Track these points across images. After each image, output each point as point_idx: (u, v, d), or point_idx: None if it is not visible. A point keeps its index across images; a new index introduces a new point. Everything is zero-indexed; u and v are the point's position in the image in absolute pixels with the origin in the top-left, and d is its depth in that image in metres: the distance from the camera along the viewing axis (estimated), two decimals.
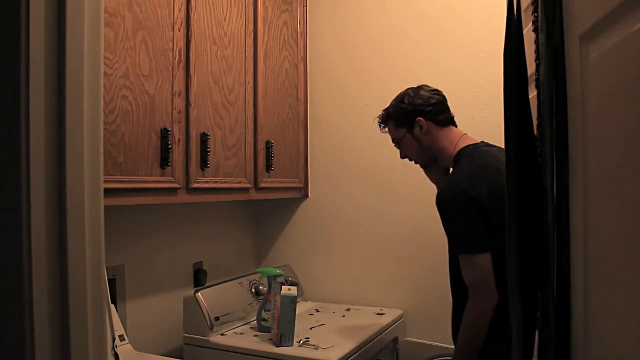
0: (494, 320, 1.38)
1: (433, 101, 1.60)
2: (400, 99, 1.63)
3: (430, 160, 1.66)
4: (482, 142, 1.60)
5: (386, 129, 1.69)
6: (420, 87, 1.63)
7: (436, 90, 1.64)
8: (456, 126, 1.64)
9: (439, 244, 2.13)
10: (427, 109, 1.58)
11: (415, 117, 1.58)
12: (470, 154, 1.53)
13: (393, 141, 1.69)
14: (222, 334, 1.80)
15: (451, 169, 1.62)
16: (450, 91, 2.14)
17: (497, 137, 1.98)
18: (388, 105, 1.68)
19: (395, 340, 2.07)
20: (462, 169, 1.52)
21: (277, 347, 1.66)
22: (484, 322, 1.37)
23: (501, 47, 0.80)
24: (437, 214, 2.31)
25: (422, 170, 2.19)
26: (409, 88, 1.64)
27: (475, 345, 1.39)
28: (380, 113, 1.70)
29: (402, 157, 1.70)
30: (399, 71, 2.24)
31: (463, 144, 1.57)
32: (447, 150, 1.58)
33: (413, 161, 1.70)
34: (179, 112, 1.63)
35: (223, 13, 1.84)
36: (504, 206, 1.18)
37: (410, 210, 2.21)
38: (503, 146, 0.81)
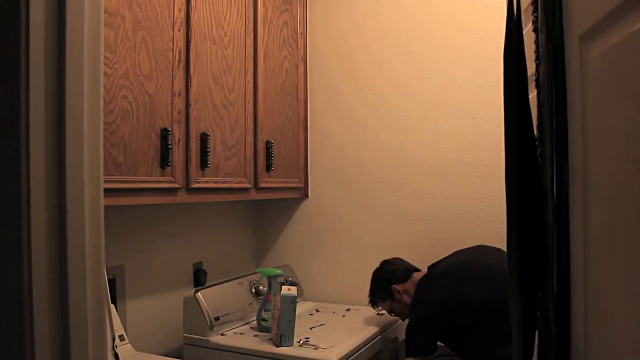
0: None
1: (394, 267, 1.95)
2: (372, 282, 1.99)
3: None
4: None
5: (381, 309, 2.00)
6: (381, 266, 1.99)
7: (391, 260, 2.00)
8: (418, 269, 1.94)
9: (439, 244, 2.13)
10: (393, 276, 1.92)
11: (389, 288, 1.91)
12: (425, 276, 1.82)
13: (388, 313, 1.99)
14: (222, 334, 1.80)
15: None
16: (451, 91, 2.15)
17: (497, 137, 1.99)
18: (368, 294, 2.00)
19: (395, 340, 2.07)
20: (427, 283, 1.78)
21: (277, 347, 1.66)
22: None
23: (501, 47, 0.80)
24: (435, 213, 2.32)
25: (422, 170, 2.20)
26: (375, 271, 1.99)
27: None
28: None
29: (404, 319, 1.94)
30: (399, 71, 2.25)
31: (417, 280, 1.85)
32: None
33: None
34: (179, 112, 1.63)
35: (223, 13, 1.84)
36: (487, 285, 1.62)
37: (410, 210, 2.21)
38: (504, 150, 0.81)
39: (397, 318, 2.10)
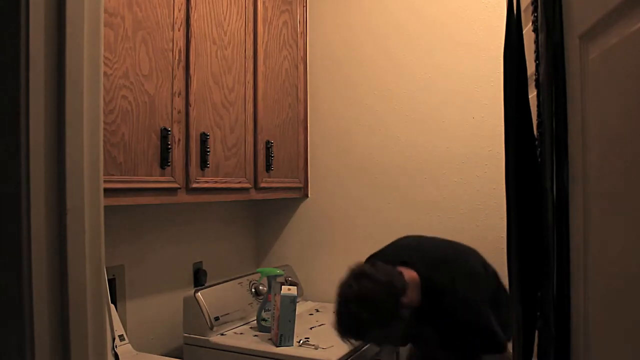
0: None
1: (395, 273, 1.39)
2: (366, 300, 1.33)
3: None
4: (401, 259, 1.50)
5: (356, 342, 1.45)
6: (364, 275, 1.40)
7: (369, 269, 1.43)
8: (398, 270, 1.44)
9: None
10: (401, 284, 1.36)
11: (399, 300, 1.34)
12: (431, 281, 1.42)
13: (379, 344, 1.44)
14: (222, 334, 1.80)
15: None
16: (451, 91, 2.15)
17: (497, 137, 1.99)
18: (348, 316, 1.37)
19: None
20: (444, 279, 1.42)
21: (277, 347, 1.66)
22: None
23: (501, 47, 0.80)
24: (434, 214, 2.30)
25: (421, 170, 2.20)
26: (352, 283, 1.39)
27: None
28: (341, 329, 1.39)
29: (399, 344, 1.52)
30: (399, 71, 2.24)
31: (415, 280, 1.43)
32: (417, 298, 1.41)
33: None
34: (179, 112, 1.63)
35: (223, 13, 1.84)
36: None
37: (410, 210, 2.21)
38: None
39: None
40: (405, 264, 1.44)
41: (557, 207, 0.70)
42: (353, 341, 1.46)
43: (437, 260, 1.47)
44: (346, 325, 1.38)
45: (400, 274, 1.40)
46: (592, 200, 0.63)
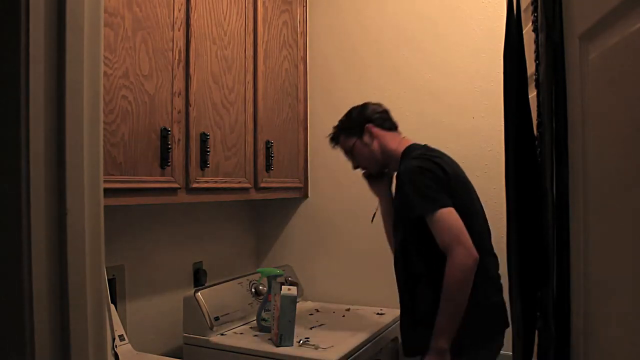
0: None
1: (379, 110, 1.78)
2: (348, 114, 1.81)
3: (380, 166, 1.78)
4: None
5: (338, 145, 1.83)
6: (365, 104, 1.81)
7: (379, 103, 1.81)
8: (399, 133, 1.79)
9: None
10: (374, 117, 1.75)
11: (364, 125, 1.73)
12: (416, 148, 1.68)
13: (345, 153, 1.81)
14: (222, 334, 1.80)
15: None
16: (450, 91, 2.15)
17: (497, 136, 1.99)
18: (336, 124, 1.84)
19: (395, 340, 2.07)
20: (416, 152, 1.64)
21: (277, 347, 1.66)
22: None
23: (501, 47, 0.80)
24: None
25: None
26: (354, 106, 1.82)
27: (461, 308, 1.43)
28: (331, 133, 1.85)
29: (355, 167, 1.83)
30: (399, 71, 2.24)
31: (407, 143, 1.72)
32: (396, 151, 1.71)
33: (364, 171, 1.84)
34: (179, 112, 1.63)
35: (223, 13, 1.84)
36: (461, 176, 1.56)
37: None
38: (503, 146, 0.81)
39: (398, 317, 2.09)
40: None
41: (557, 207, 0.71)
42: (332, 144, 1.86)
43: (430, 150, 1.69)
44: None
45: (394, 125, 1.78)
46: (592, 200, 0.63)
